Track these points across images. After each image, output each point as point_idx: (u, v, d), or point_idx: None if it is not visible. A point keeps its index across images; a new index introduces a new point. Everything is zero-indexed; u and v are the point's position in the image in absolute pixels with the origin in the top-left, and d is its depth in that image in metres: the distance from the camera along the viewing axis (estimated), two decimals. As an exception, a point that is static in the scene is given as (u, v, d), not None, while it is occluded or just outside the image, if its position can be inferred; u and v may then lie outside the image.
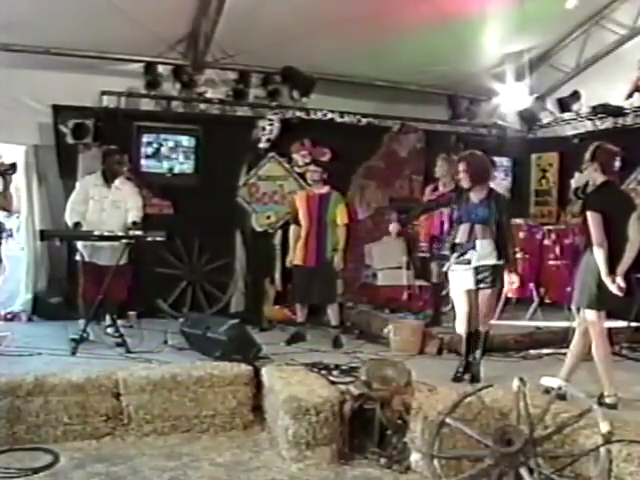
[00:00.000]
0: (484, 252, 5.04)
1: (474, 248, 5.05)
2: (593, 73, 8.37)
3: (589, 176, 4.67)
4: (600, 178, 4.54)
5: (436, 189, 6.78)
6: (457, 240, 5.15)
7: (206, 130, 7.55)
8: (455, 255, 5.14)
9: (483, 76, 8.40)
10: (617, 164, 4.77)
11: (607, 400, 4.32)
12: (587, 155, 4.59)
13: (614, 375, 4.47)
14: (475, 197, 5.15)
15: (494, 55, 8.16)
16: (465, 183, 5.15)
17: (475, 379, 5.09)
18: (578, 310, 4.61)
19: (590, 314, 4.45)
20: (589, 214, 4.38)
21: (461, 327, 5.20)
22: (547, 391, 3.79)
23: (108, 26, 6.49)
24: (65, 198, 6.46)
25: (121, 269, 5.99)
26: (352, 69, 8.01)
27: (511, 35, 7.73)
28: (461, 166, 5.16)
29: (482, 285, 5.06)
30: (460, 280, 5.14)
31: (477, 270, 5.04)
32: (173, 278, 7.62)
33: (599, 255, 4.30)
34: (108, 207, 6.25)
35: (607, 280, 4.29)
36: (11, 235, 7.08)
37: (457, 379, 5.14)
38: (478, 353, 5.19)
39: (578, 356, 4.59)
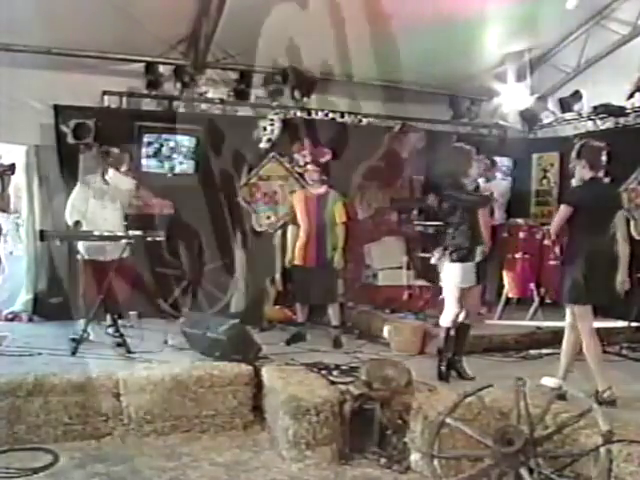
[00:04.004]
0: (482, 249, 5.11)
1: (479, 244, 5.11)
2: (594, 73, 8.36)
3: (577, 173, 4.68)
4: (588, 174, 4.58)
5: None
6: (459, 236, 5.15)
7: (207, 130, 7.55)
8: (461, 251, 5.10)
9: (484, 76, 8.40)
10: (603, 159, 4.80)
11: (604, 395, 4.31)
12: (573, 153, 4.65)
13: (606, 370, 4.47)
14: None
15: (495, 55, 8.15)
16: None
17: (462, 376, 5.14)
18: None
19: (578, 310, 4.46)
20: (561, 206, 4.51)
21: (450, 322, 5.21)
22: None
23: (109, 26, 6.50)
24: (66, 198, 6.45)
25: (123, 264, 5.97)
26: (353, 69, 8.00)
27: (512, 35, 7.73)
28: None
29: (476, 280, 5.15)
30: (462, 276, 5.10)
31: (477, 266, 5.11)
32: (173, 278, 7.62)
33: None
34: (108, 204, 6.26)
35: None
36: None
37: (444, 377, 5.14)
38: (462, 348, 5.25)
39: (571, 352, 4.59)
